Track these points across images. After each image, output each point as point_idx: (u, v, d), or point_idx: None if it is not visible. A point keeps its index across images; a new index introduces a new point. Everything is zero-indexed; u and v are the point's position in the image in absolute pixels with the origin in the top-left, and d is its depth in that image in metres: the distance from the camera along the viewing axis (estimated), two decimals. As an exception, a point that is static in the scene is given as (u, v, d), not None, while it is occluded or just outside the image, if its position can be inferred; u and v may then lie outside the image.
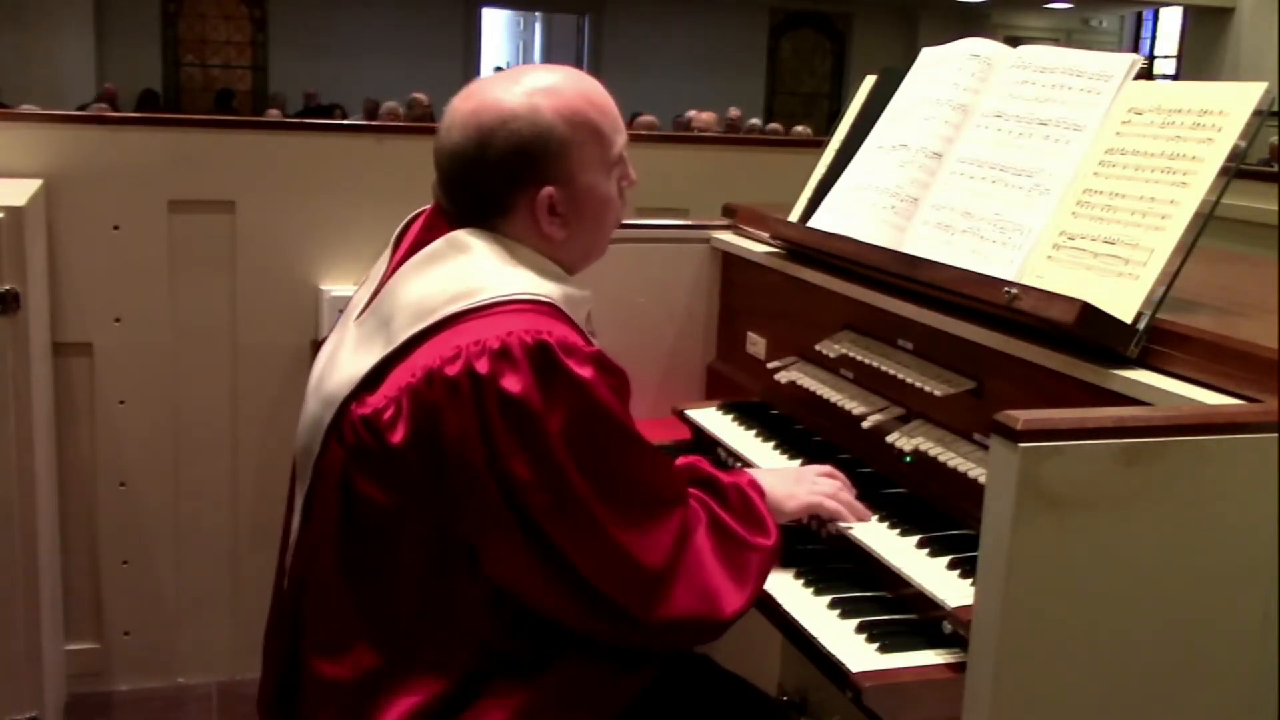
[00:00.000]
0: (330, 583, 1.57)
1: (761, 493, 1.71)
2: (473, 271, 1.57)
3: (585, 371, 1.49)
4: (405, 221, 1.74)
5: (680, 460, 1.76)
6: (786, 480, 1.79)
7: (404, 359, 1.52)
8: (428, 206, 1.71)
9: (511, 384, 1.45)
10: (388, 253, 1.72)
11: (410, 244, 1.66)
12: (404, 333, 1.54)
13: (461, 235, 1.60)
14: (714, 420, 2.29)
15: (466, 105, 1.62)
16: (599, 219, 1.68)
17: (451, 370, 1.47)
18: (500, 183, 1.59)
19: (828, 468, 1.85)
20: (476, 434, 1.46)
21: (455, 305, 1.53)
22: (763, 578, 1.64)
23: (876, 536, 1.72)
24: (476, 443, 1.46)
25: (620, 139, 1.67)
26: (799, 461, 2.01)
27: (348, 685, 1.56)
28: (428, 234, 1.64)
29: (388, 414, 1.50)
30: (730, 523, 1.63)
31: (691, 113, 9.70)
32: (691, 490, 1.65)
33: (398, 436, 1.49)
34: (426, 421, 1.48)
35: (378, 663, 1.56)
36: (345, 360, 1.60)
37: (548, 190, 1.60)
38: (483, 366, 1.46)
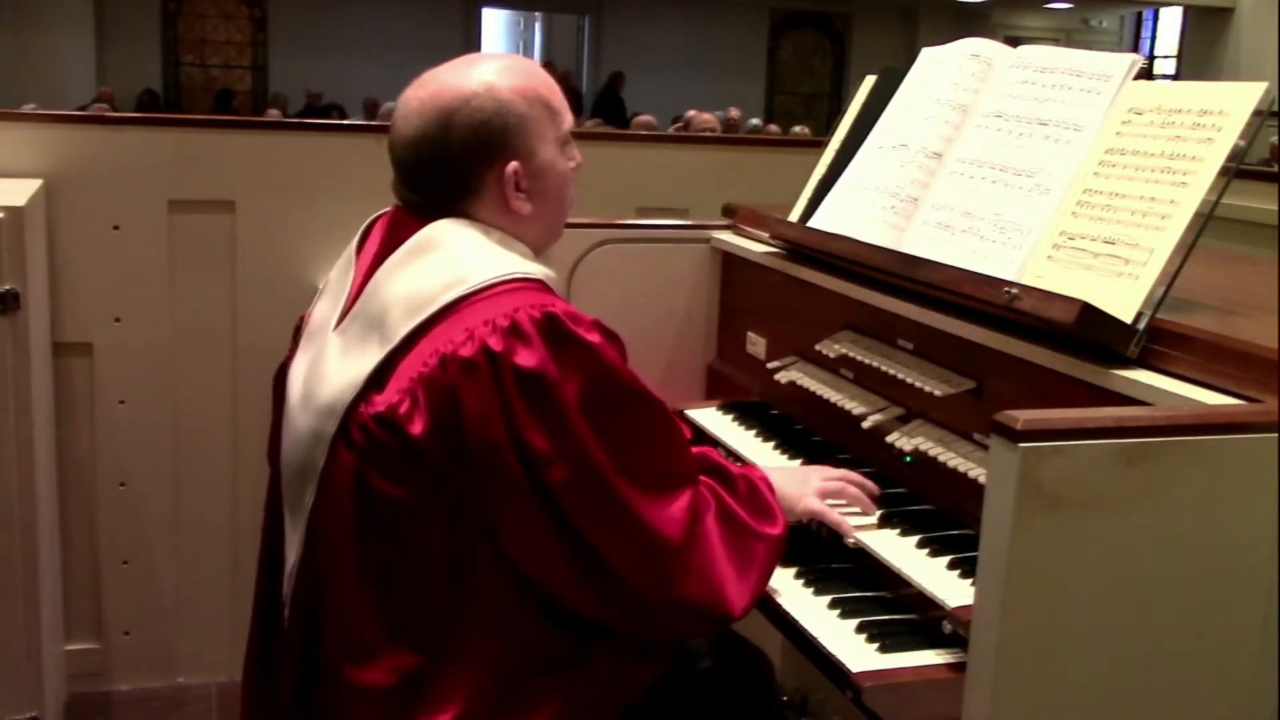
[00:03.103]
0: (353, 589, 1.56)
1: (771, 487, 1.71)
2: (460, 259, 1.58)
3: (593, 336, 1.51)
4: (364, 227, 1.74)
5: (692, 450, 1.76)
6: (795, 480, 1.80)
7: (408, 352, 1.53)
8: (384, 211, 1.72)
9: (526, 359, 1.47)
10: (351, 260, 1.70)
11: (377, 248, 1.66)
12: (403, 327, 1.54)
13: (439, 225, 1.61)
14: (714, 420, 2.29)
15: (422, 93, 1.64)
16: (559, 195, 1.71)
17: (466, 351, 1.48)
18: (466, 161, 1.62)
19: (836, 470, 1.85)
20: (497, 410, 1.47)
21: (452, 293, 1.54)
22: (769, 568, 1.64)
23: (876, 536, 1.72)
24: (498, 419, 1.47)
25: (568, 118, 1.71)
26: (799, 462, 2.01)
27: (388, 690, 1.54)
28: (394, 235, 1.64)
29: (403, 407, 1.50)
30: (738, 511, 1.63)
31: (691, 112, 9.69)
32: (701, 478, 1.65)
33: (418, 427, 1.49)
34: (446, 406, 1.48)
35: (415, 663, 1.54)
36: (335, 369, 1.59)
37: (513, 165, 1.62)
38: (497, 344, 1.47)
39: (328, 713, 1.62)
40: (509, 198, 1.63)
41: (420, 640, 1.55)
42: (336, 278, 1.71)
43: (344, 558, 1.56)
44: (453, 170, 1.62)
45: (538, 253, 1.69)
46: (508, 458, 1.47)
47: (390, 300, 1.57)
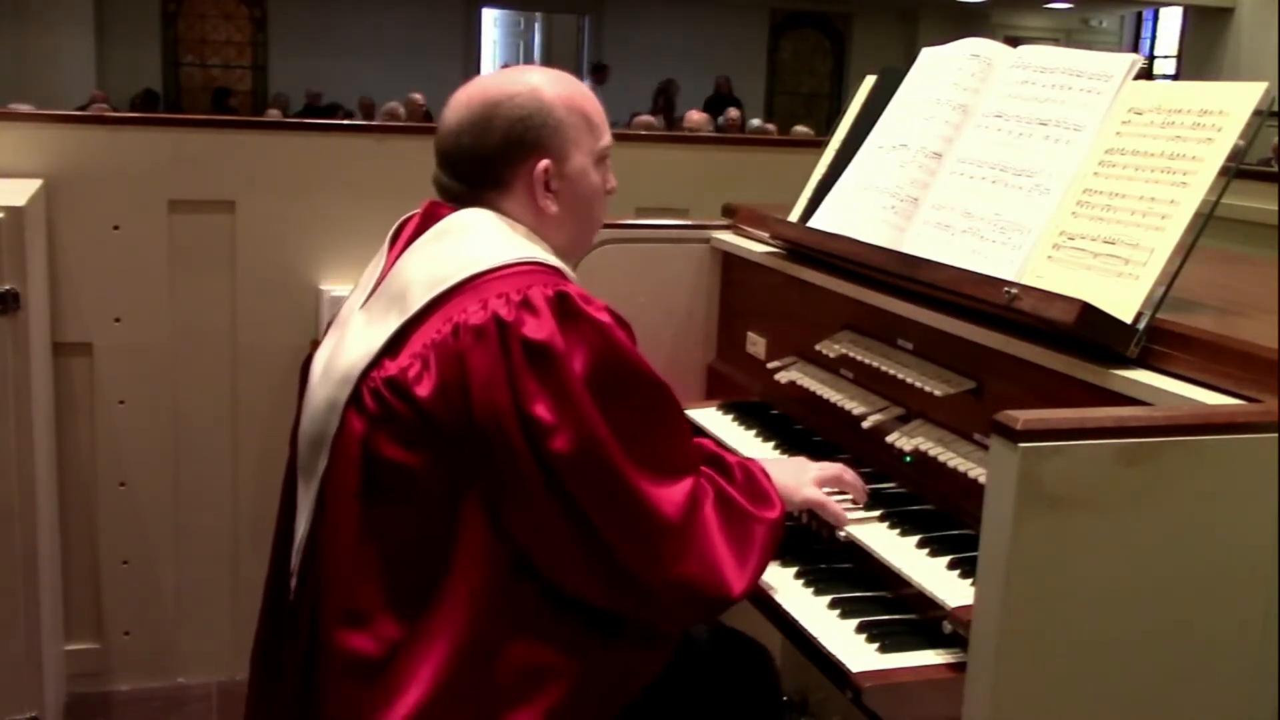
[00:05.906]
0: (352, 552, 1.58)
1: (768, 476, 1.73)
2: (482, 242, 1.64)
3: (603, 316, 1.56)
4: (399, 222, 1.78)
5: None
6: (790, 470, 1.81)
7: (424, 322, 1.58)
8: (419, 210, 1.75)
9: (534, 330, 1.51)
10: (384, 252, 1.75)
11: (408, 239, 1.71)
12: (421, 299, 1.59)
13: (466, 213, 1.67)
14: (714, 420, 2.29)
15: (471, 89, 1.73)
16: (588, 205, 1.75)
17: (477, 319, 1.53)
18: (502, 152, 1.67)
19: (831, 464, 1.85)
20: (503, 377, 1.51)
21: (471, 269, 1.60)
22: (768, 552, 1.65)
23: (876, 536, 1.72)
24: (503, 387, 1.51)
25: (608, 137, 1.77)
26: (799, 461, 2.01)
27: (371, 659, 1.56)
28: (424, 225, 1.70)
29: (413, 370, 1.54)
30: (736, 497, 1.66)
31: (690, 113, 9.71)
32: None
33: (425, 389, 1.53)
34: (454, 369, 1.52)
35: (401, 634, 1.56)
36: (355, 341, 1.63)
37: (544, 163, 1.68)
38: (507, 314, 1.52)
39: (320, 683, 1.63)
40: (537, 195, 1.69)
41: (409, 610, 1.56)
42: (367, 273, 1.77)
43: (346, 521, 1.59)
44: (488, 160, 1.68)
45: (561, 259, 1.71)
46: (510, 426, 1.50)
47: (412, 277, 1.63)
